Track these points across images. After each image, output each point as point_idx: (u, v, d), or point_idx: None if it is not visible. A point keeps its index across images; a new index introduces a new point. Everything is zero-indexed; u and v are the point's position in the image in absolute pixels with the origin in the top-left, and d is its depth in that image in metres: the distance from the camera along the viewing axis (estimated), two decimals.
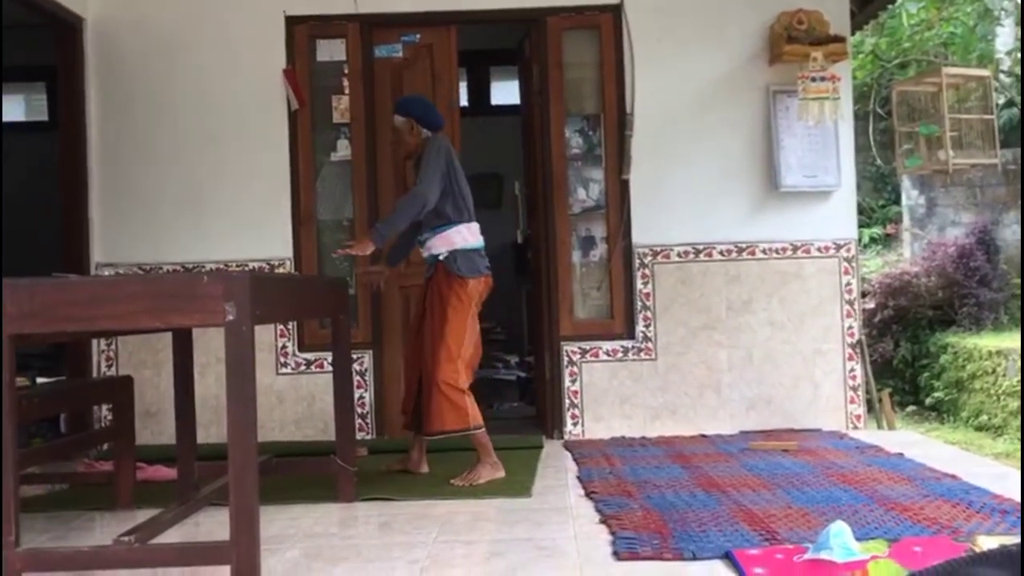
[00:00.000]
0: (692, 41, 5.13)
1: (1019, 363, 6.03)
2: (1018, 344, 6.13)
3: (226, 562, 2.39)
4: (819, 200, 5.09)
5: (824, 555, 2.63)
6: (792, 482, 3.73)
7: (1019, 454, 5.47)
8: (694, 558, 2.75)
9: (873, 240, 8.99)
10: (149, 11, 5.16)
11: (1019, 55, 8.61)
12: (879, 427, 5.35)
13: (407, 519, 3.40)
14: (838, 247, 5.10)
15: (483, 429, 3.98)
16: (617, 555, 2.82)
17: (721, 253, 5.11)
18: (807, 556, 2.66)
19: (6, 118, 7.42)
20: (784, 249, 5.11)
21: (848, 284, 5.10)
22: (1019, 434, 5.92)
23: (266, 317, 2.66)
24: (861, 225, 8.26)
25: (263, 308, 2.55)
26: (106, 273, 5.03)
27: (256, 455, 2.43)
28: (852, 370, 5.08)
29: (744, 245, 5.11)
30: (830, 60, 4.84)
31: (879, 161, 9.05)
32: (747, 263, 5.11)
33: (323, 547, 3.06)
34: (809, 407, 5.06)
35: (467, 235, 4.02)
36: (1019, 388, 6.01)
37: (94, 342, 5.03)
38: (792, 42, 4.84)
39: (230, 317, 2.40)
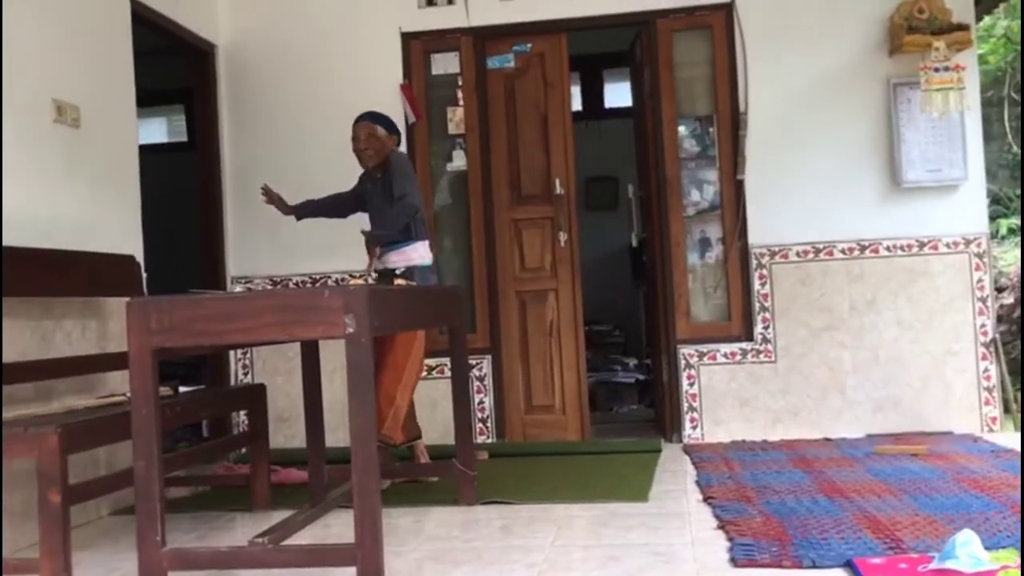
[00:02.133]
0: (807, 36, 5.02)
1: None
2: None
3: (352, 563, 2.51)
4: (945, 194, 4.91)
5: (950, 564, 2.55)
6: (920, 488, 3.61)
7: None
8: (814, 566, 2.70)
9: (1011, 231, 8.54)
10: (275, 35, 5.42)
11: None
12: (1016, 429, 5.10)
13: (525, 522, 3.47)
14: (967, 242, 4.91)
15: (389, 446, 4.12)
16: (734, 562, 2.81)
17: (842, 252, 4.98)
18: (932, 566, 2.58)
19: (148, 140, 7.91)
20: (910, 246, 4.94)
21: (980, 280, 4.89)
22: None
23: (384, 328, 2.77)
24: (997, 216, 7.87)
25: (381, 319, 2.66)
26: (238, 287, 5.31)
27: (377, 461, 2.54)
28: (986, 370, 4.88)
29: (867, 243, 4.97)
30: (953, 49, 4.66)
31: (1015, 148, 8.60)
32: (871, 261, 4.97)
33: (444, 550, 3.16)
34: (940, 409, 4.89)
35: (423, 252, 4.21)
36: None
37: (231, 352, 5.31)
38: (913, 32, 4.68)
39: (350, 329, 2.51)
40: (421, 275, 4.16)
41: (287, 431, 5.19)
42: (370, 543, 2.49)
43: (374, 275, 3.96)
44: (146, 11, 4.65)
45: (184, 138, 8.17)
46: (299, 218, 4.55)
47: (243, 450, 4.74)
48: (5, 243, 3.39)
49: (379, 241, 4.09)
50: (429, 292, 3.86)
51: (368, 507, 2.49)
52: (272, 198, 4.46)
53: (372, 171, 4.31)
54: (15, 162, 3.61)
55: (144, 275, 4.31)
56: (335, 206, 4.54)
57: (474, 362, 5.09)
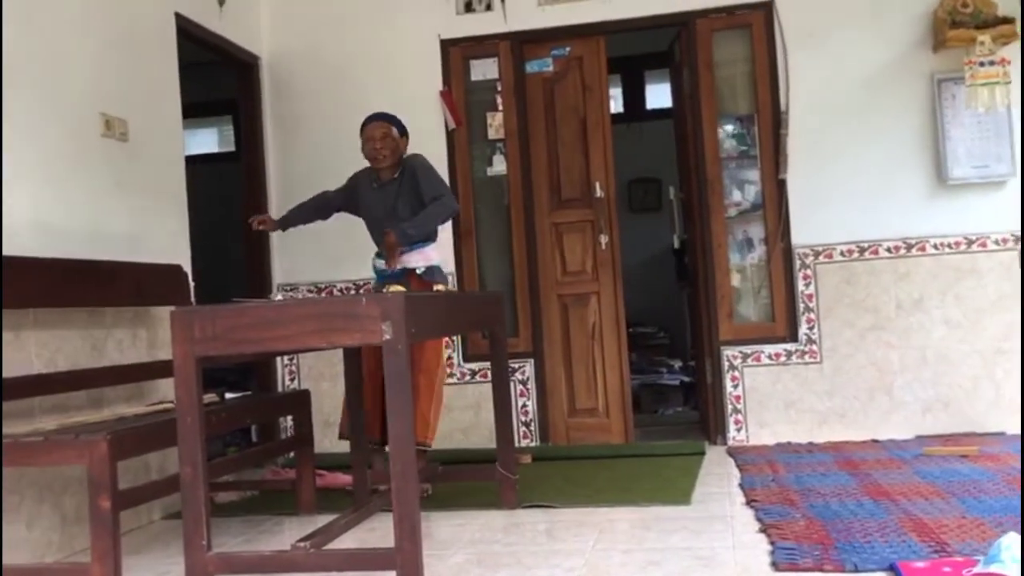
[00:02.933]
0: (848, 33, 4.96)
1: None
2: None
3: (392, 567, 2.54)
4: (992, 190, 4.82)
5: (995, 568, 2.50)
6: (968, 490, 3.55)
7: None
8: (856, 570, 2.67)
9: None
10: (316, 46, 5.49)
11: None
12: None
13: (567, 526, 3.48)
14: (1016, 239, 4.81)
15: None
16: (776, 566, 2.78)
17: (888, 250, 4.91)
18: (977, 569, 2.54)
19: (199, 150, 8.09)
20: (957, 244, 4.85)
21: None
22: None
23: (421, 334, 2.81)
24: None
25: (418, 326, 2.70)
26: (280, 295, 5.39)
27: (415, 466, 2.57)
28: None
29: (913, 241, 4.89)
30: (999, 43, 4.56)
31: None
32: (917, 259, 4.89)
33: (485, 553, 3.18)
34: (991, 409, 4.79)
35: (437, 253, 4.27)
36: None
37: (278, 358, 5.40)
38: (956, 27, 4.59)
39: (387, 336, 2.55)
40: (440, 275, 4.22)
41: (333, 436, 5.22)
42: (409, 547, 2.52)
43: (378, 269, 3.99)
44: (191, 25, 4.75)
45: (233, 148, 8.32)
46: (285, 229, 4.56)
47: (290, 454, 4.82)
48: (54, 254, 3.49)
49: (408, 241, 4.08)
50: (466, 297, 3.90)
51: (407, 511, 2.53)
52: (264, 221, 4.44)
53: (382, 172, 4.27)
54: (65, 176, 3.72)
55: (192, 284, 4.41)
56: (319, 208, 4.51)
57: (517, 366, 5.11)
